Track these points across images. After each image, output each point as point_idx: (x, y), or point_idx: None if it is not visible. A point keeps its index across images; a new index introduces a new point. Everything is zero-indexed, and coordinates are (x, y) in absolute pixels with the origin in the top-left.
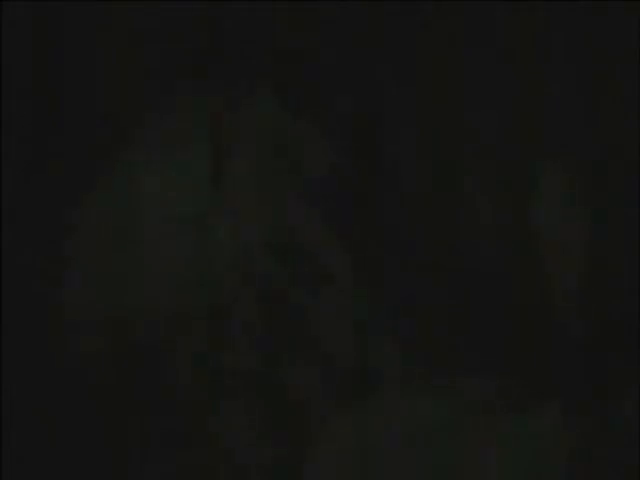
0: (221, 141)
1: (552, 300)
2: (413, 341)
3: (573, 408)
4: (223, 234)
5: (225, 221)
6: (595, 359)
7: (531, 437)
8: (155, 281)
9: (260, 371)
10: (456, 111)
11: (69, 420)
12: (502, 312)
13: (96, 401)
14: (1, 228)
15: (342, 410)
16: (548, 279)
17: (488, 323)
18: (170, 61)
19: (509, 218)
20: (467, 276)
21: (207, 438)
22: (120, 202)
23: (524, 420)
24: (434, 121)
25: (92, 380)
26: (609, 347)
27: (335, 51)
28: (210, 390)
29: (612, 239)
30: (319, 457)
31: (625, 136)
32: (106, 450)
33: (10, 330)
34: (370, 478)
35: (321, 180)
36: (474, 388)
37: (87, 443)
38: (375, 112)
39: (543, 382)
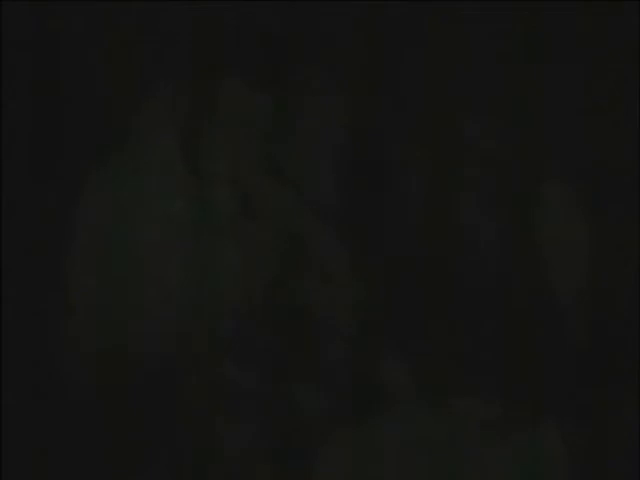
0: (220, 142)
1: (554, 315)
2: (413, 357)
3: (574, 420)
4: (223, 241)
5: (225, 223)
6: (595, 370)
7: (532, 450)
8: (156, 287)
9: (263, 386)
10: (456, 113)
11: (69, 429)
12: (503, 324)
13: (95, 412)
14: (1, 228)
15: (345, 426)
16: (550, 293)
17: (489, 336)
18: (169, 61)
19: (510, 226)
20: (468, 281)
21: (208, 452)
22: (120, 202)
23: (525, 434)
24: (434, 120)
25: (91, 383)
26: (609, 357)
27: (335, 51)
28: (211, 403)
29: (612, 242)
30: (322, 472)
31: (625, 137)
32: (106, 461)
33: (10, 330)
34: None
35: (321, 180)
36: (476, 404)
37: (86, 454)
38: (375, 111)
39: (544, 394)
